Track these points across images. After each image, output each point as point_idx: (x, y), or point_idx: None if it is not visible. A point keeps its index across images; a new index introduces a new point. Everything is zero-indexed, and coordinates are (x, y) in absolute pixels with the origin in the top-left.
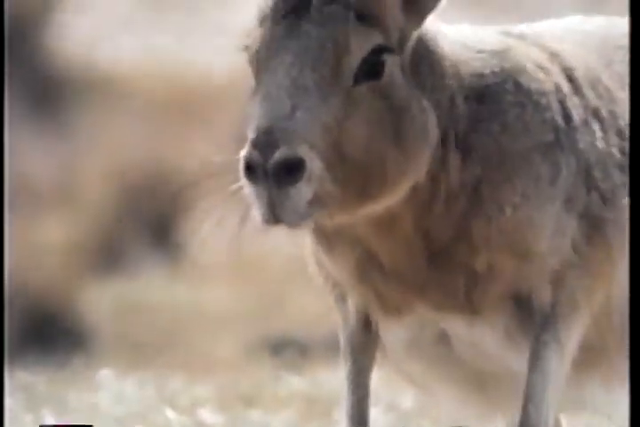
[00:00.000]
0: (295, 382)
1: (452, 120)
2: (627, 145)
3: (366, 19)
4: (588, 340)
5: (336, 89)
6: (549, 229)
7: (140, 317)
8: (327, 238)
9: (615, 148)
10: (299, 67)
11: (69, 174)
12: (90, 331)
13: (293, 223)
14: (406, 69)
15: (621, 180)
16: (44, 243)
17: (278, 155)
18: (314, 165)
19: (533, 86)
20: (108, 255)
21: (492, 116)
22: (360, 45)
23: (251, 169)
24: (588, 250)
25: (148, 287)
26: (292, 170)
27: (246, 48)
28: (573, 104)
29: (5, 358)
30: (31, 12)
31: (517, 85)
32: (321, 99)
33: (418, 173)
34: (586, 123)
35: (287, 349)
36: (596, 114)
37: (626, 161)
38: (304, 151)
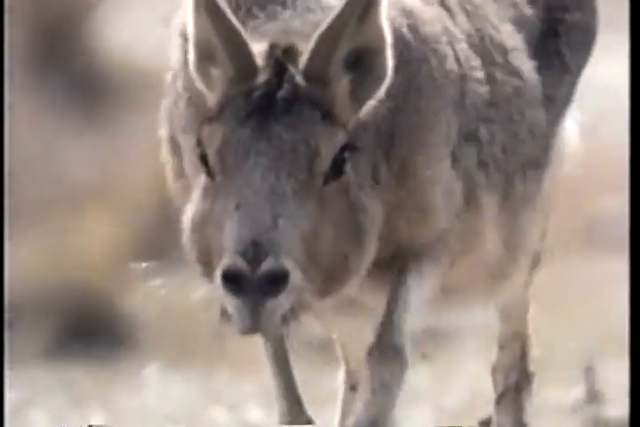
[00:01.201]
0: (340, 378)
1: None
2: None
3: (330, 117)
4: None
5: (311, 193)
6: (443, 187)
7: (186, 313)
8: None
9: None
10: (275, 172)
11: (113, 172)
12: (135, 327)
13: (270, 332)
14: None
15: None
16: (88, 240)
17: (265, 267)
18: (296, 275)
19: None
20: (152, 252)
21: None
22: (329, 146)
23: (235, 280)
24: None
25: (194, 283)
26: (276, 282)
27: (199, 143)
28: (461, 47)
29: (48, 355)
30: (72, 11)
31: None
32: (299, 205)
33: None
34: (472, 69)
35: (332, 345)
36: (482, 55)
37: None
38: (289, 262)
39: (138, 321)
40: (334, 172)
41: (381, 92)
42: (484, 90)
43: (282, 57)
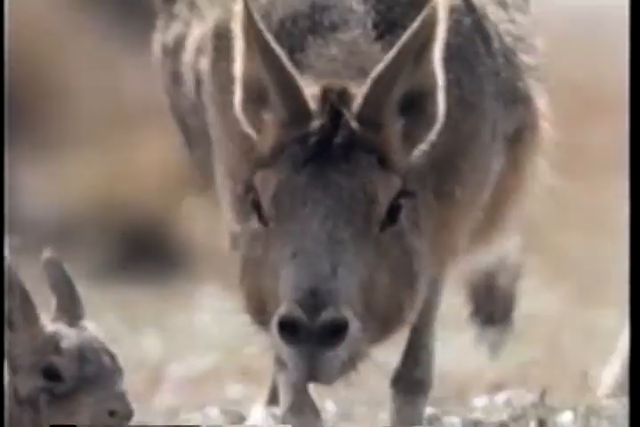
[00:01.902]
0: None
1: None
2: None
3: (385, 162)
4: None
5: (368, 240)
6: None
7: None
8: None
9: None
10: (333, 220)
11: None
12: (190, 249)
13: (329, 383)
14: None
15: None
16: (146, 161)
17: (325, 316)
18: (355, 326)
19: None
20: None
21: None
22: (386, 193)
23: (293, 329)
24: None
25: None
26: (336, 332)
27: (251, 189)
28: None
29: (103, 276)
30: None
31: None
32: (357, 253)
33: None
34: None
35: None
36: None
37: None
38: (348, 312)
39: (193, 243)
40: (390, 218)
41: (433, 135)
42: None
43: (336, 101)
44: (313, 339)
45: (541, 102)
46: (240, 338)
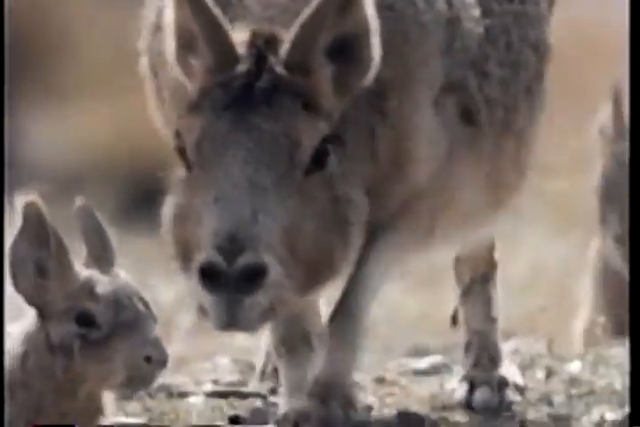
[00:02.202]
0: None
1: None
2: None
3: (311, 107)
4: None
5: (291, 185)
6: (426, 136)
7: None
8: None
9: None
10: (254, 165)
11: None
12: None
13: (249, 329)
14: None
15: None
16: None
17: (242, 261)
18: (275, 271)
19: None
20: None
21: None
22: (311, 137)
23: (213, 276)
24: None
25: None
26: (254, 277)
27: (178, 135)
28: None
29: (112, 223)
30: None
31: None
32: (279, 199)
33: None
34: (466, 8)
35: None
36: None
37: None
38: (268, 257)
39: None
40: (317, 164)
41: (368, 80)
42: (478, 30)
43: (262, 46)
44: (231, 285)
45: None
46: None
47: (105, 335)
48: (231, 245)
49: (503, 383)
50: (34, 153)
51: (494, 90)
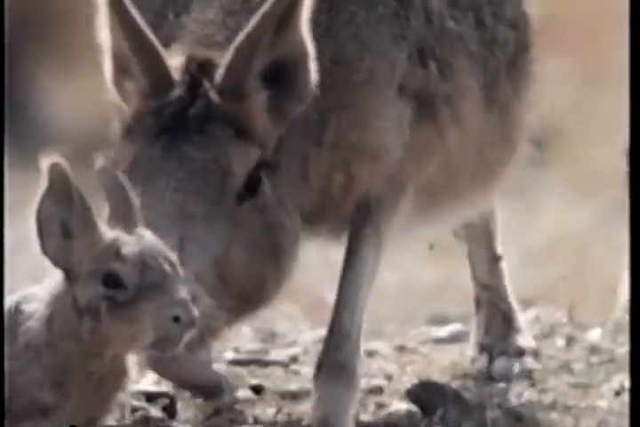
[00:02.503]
0: None
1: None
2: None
3: (244, 134)
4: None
5: (222, 214)
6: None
7: None
8: None
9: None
10: (184, 193)
11: None
12: None
13: (176, 361)
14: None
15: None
16: None
17: None
18: (204, 302)
19: None
20: None
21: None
22: (242, 165)
23: None
24: (419, 132)
25: None
26: None
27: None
28: None
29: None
30: None
31: None
32: (210, 227)
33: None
34: None
35: None
36: None
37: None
38: (196, 288)
39: None
40: (249, 191)
41: (303, 105)
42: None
43: (197, 72)
44: None
45: (467, 78)
46: None
47: (132, 296)
48: None
49: (520, 352)
50: (55, 117)
51: (472, 51)
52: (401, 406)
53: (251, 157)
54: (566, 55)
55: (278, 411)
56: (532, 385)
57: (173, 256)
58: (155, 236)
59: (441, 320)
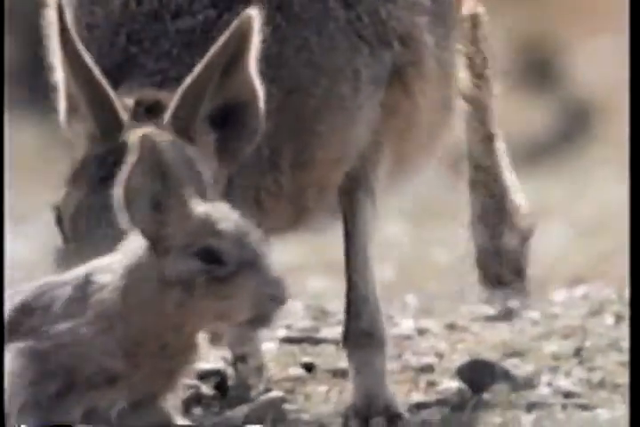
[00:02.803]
0: None
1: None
2: None
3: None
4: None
5: None
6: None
7: None
8: None
9: None
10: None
11: None
12: None
13: None
14: None
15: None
16: None
17: None
18: None
19: None
20: None
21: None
22: None
23: None
24: (388, 98)
25: None
26: None
27: (56, 209)
28: None
29: None
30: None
31: None
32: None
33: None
34: None
35: None
36: None
37: None
38: None
39: None
40: None
41: (253, 145)
42: None
43: (143, 116)
44: None
45: (427, 37)
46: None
47: (230, 273)
48: None
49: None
50: None
51: (419, 24)
52: (451, 384)
53: None
54: (611, 32)
55: (330, 389)
56: (581, 363)
57: (257, 232)
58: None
59: (492, 297)
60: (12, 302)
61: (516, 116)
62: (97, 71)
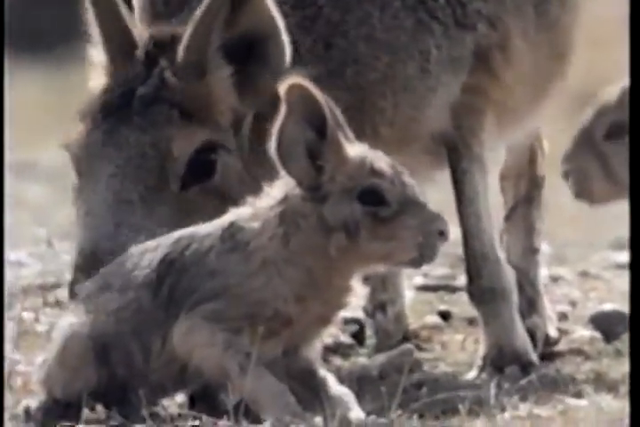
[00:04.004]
0: None
1: None
2: None
3: (193, 116)
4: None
5: (162, 198)
6: (434, 101)
7: None
8: None
9: None
10: (120, 179)
11: None
12: None
13: None
14: (245, 148)
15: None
16: None
17: None
18: None
19: None
20: None
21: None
22: (184, 148)
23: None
24: (475, 80)
25: None
26: None
27: (67, 147)
28: None
29: None
30: None
31: None
32: (146, 212)
33: None
34: None
35: None
36: None
37: None
38: None
39: None
40: (198, 173)
41: (279, 82)
42: None
43: (154, 49)
44: None
45: (513, 21)
46: None
47: (394, 212)
48: (91, 265)
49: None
50: None
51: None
52: (584, 332)
53: (194, 139)
54: None
55: (465, 337)
56: None
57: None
58: (88, 224)
59: (623, 245)
60: (145, 256)
61: None
62: (120, 2)
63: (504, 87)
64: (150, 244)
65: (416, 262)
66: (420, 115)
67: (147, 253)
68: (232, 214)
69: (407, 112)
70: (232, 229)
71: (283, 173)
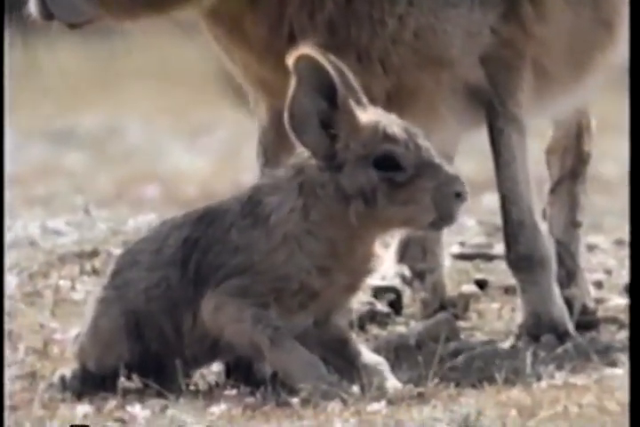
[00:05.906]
0: None
1: None
2: None
3: None
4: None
5: None
6: (456, 34)
7: None
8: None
9: None
10: None
11: None
12: None
13: (66, 19)
14: None
15: None
16: None
17: None
18: None
19: None
20: None
21: None
22: None
23: None
24: (505, 31)
25: None
26: None
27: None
28: None
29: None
30: None
31: None
32: None
33: None
34: None
35: None
36: None
37: None
38: None
39: None
40: None
41: None
42: None
43: None
44: None
45: None
46: None
47: (410, 176)
48: None
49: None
50: None
51: None
52: (620, 300)
53: None
54: None
55: (502, 306)
56: None
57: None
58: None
59: None
60: (170, 234)
61: None
62: None
63: (538, 44)
64: (177, 220)
65: (436, 225)
66: (447, 53)
67: (173, 230)
68: (250, 188)
69: (427, 34)
70: (251, 204)
71: (297, 144)
